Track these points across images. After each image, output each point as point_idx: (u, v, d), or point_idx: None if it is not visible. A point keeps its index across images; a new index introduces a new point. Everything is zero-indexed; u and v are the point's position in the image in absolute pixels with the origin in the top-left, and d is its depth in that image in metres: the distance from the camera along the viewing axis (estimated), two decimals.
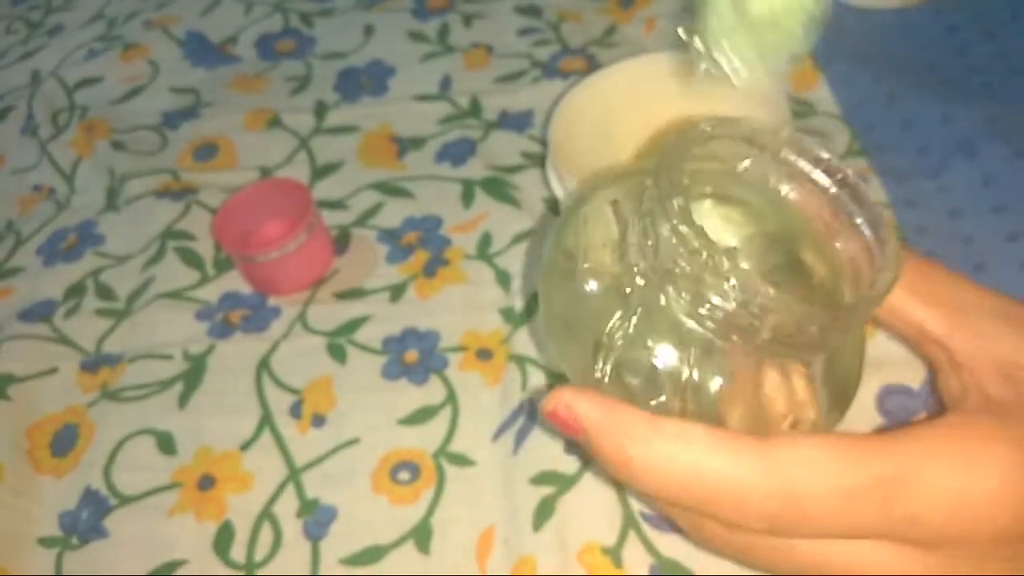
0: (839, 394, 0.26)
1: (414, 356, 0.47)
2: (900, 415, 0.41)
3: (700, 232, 0.22)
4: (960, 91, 0.53)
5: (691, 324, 0.23)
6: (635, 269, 0.24)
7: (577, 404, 0.25)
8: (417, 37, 0.66)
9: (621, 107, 0.49)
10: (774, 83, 0.45)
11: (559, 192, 0.45)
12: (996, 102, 0.52)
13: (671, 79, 0.49)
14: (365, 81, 0.63)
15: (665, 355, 0.24)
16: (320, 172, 0.57)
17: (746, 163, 0.26)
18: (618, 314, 0.24)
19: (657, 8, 0.63)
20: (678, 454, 0.23)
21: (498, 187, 0.54)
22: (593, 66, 0.59)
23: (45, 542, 0.43)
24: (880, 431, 0.26)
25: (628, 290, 0.24)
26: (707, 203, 0.27)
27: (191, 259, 0.54)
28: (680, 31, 0.28)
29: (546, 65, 0.61)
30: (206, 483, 0.44)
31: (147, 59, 0.68)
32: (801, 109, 0.54)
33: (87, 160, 0.61)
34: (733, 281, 0.22)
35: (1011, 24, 0.57)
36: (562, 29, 0.63)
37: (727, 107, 0.47)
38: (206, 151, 0.60)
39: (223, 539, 0.42)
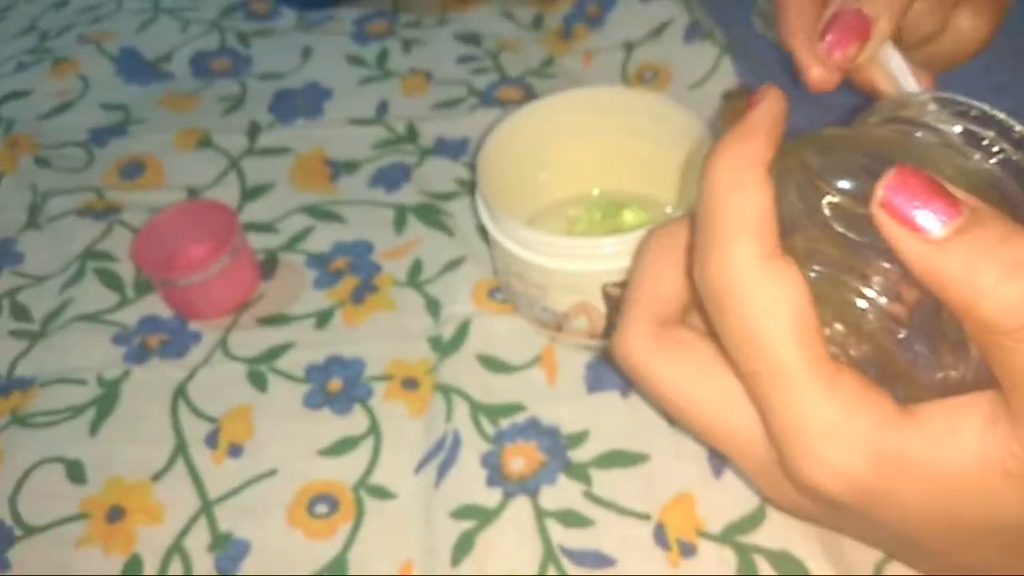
0: None
1: (338, 385, 0.46)
2: None
3: None
4: None
5: None
6: None
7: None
8: (355, 61, 0.65)
9: (553, 139, 0.49)
10: (701, 120, 0.45)
11: (487, 222, 0.44)
12: None
13: (605, 113, 0.49)
14: (301, 103, 0.62)
15: None
16: (250, 194, 0.56)
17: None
18: None
19: (595, 42, 0.64)
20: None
21: (431, 214, 0.54)
22: (530, 96, 0.60)
23: None
24: None
25: None
26: None
27: (111, 281, 0.52)
28: None
29: (484, 94, 0.61)
30: (115, 514, 0.42)
31: (78, 74, 0.67)
32: None
33: (9, 176, 0.60)
34: None
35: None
36: (501, 58, 0.64)
37: (657, 142, 0.48)
38: (132, 169, 0.59)
39: (131, 573, 0.40)
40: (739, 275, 0.24)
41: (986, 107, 0.26)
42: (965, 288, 0.22)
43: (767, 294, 0.24)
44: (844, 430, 0.23)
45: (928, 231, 0.22)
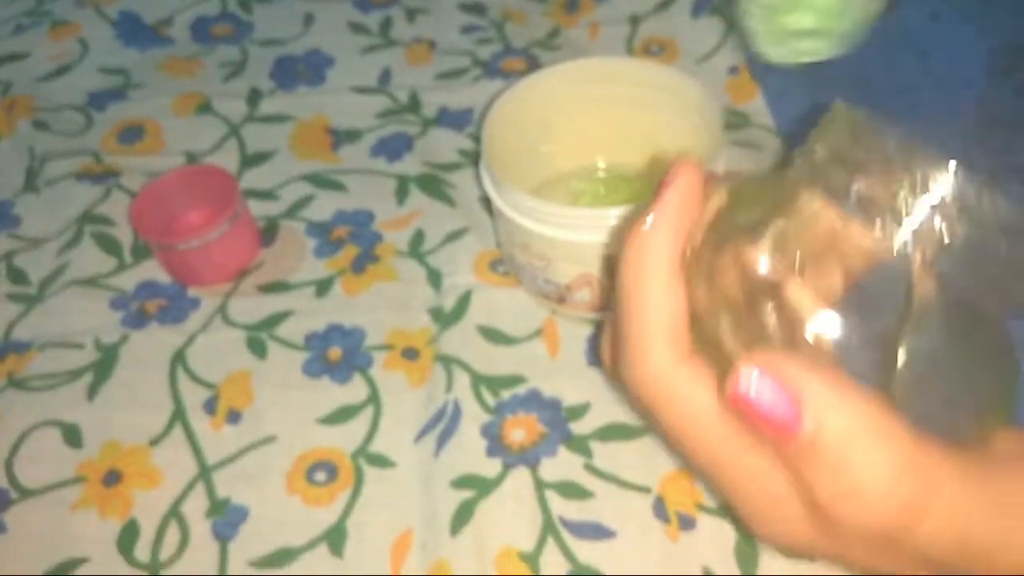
0: None
1: (337, 353, 0.46)
2: None
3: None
4: (890, 108, 0.54)
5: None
6: None
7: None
8: (358, 29, 0.64)
9: (557, 109, 0.49)
10: (711, 92, 0.45)
11: (491, 192, 0.44)
12: (924, 120, 0.53)
13: (609, 84, 0.48)
14: (302, 70, 0.62)
15: None
16: (250, 161, 0.56)
17: None
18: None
19: (601, 13, 0.63)
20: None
21: (434, 184, 0.53)
22: (534, 67, 0.59)
23: None
24: None
25: None
26: None
27: (108, 245, 0.52)
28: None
29: (488, 64, 0.60)
30: (112, 478, 0.42)
31: (77, 37, 0.66)
32: (736, 120, 0.54)
33: (7, 139, 0.59)
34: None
35: (942, 48, 0.58)
36: (506, 29, 0.63)
37: (664, 115, 0.48)
38: (131, 134, 0.58)
39: (127, 537, 0.40)
40: (659, 381, 0.24)
41: (959, 172, 0.21)
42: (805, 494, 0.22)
43: (687, 398, 0.24)
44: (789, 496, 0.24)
45: (769, 435, 0.22)
